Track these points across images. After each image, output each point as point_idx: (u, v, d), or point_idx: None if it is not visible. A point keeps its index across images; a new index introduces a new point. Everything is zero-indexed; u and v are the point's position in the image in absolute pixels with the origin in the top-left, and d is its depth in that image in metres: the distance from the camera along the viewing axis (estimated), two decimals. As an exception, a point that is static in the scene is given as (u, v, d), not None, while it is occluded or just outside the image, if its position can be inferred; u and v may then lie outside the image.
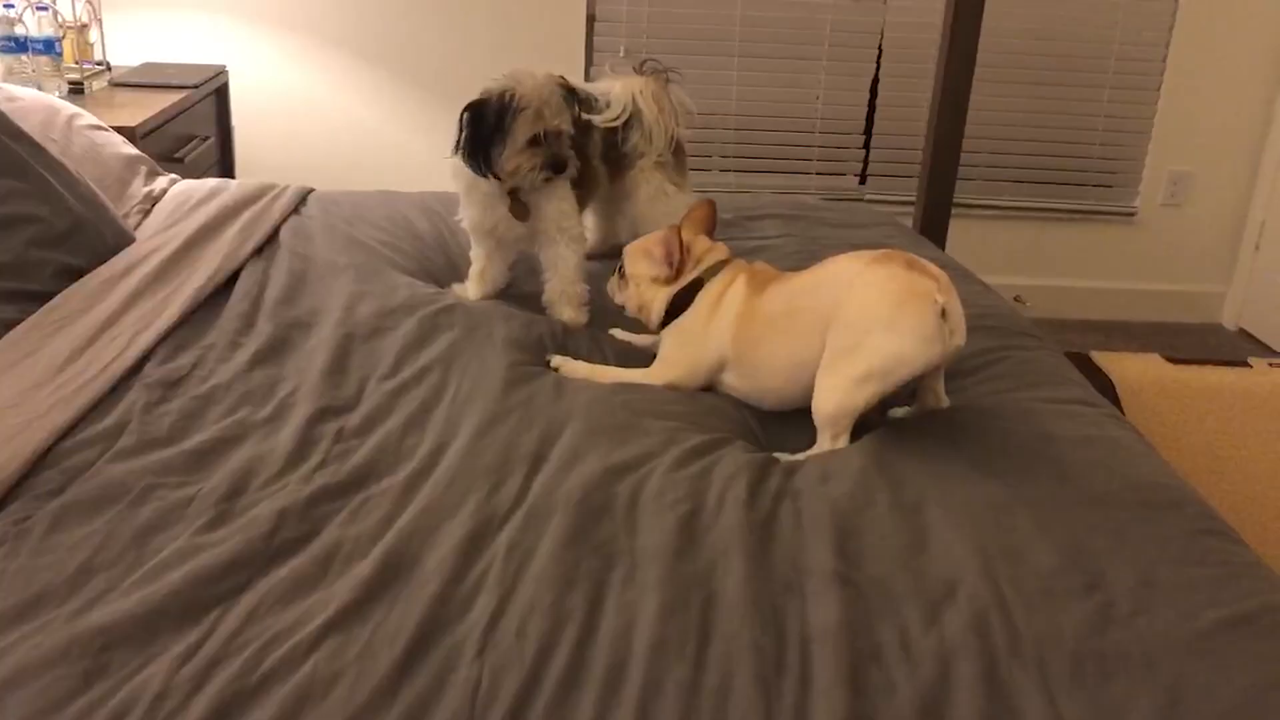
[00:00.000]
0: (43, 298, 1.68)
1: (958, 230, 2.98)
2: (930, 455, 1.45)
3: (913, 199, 3.76)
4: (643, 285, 1.75)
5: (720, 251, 1.75)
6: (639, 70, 2.12)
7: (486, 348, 1.74)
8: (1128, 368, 2.02)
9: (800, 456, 1.51)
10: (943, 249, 2.65)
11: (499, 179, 1.83)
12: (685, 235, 1.73)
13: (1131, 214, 3.93)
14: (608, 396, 1.61)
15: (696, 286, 1.71)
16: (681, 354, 1.70)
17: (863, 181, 3.89)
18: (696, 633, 1.10)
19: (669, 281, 1.73)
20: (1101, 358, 2.07)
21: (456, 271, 2.10)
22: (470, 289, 2.00)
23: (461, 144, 1.81)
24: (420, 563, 1.21)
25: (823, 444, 1.52)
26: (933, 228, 2.62)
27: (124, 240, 1.94)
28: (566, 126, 1.83)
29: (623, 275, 1.79)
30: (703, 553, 1.23)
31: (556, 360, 1.74)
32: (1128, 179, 3.91)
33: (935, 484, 1.37)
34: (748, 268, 1.71)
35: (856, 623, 1.12)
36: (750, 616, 1.12)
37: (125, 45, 3.30)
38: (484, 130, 1.78)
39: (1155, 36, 3.73)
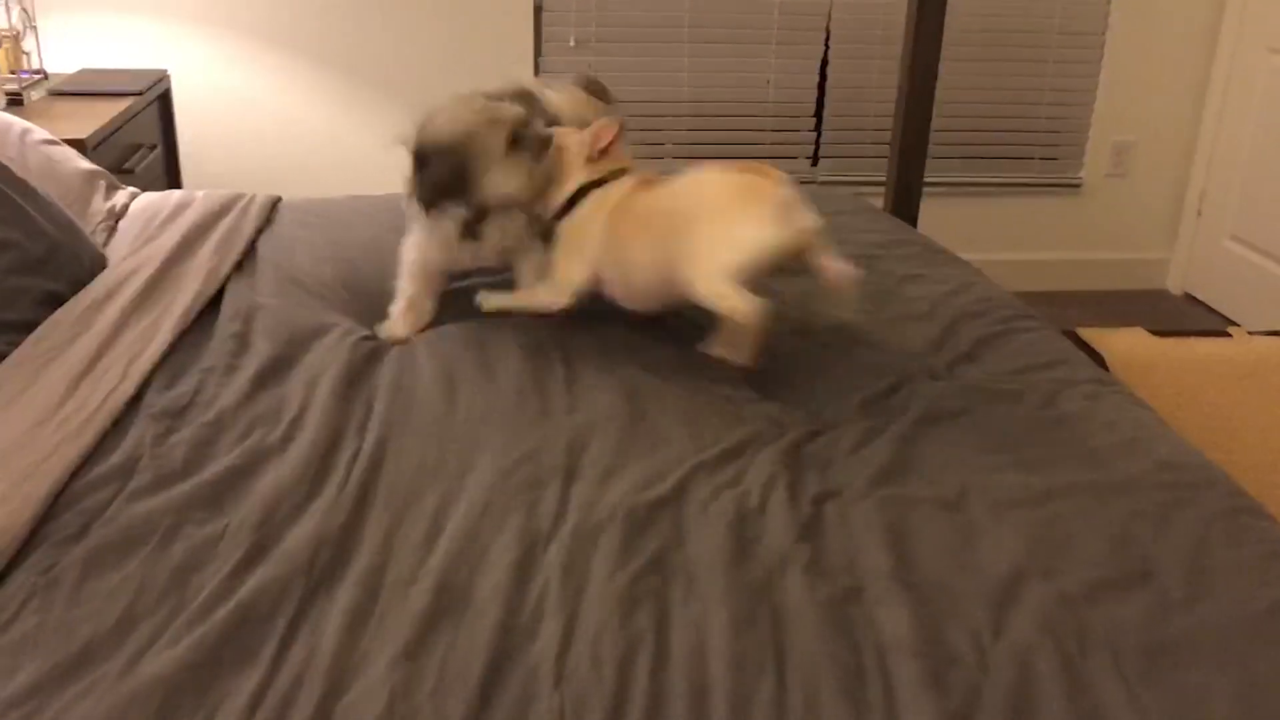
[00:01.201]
0: (26, 327, 1.60)
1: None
2: (960, 445, 1.46)
3: (865, 179, 3.81)
4: (565, 158, 1.78)
5: (628, 163, 1.82)
6: (584, 88, 2.08)
7: (490, 355, 1.70)
8: (1115, 343, 2.05)
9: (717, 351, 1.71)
10: (914, 228, 2.67)
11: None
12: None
13: (1077, 185, 4.00)
14: (624, 402, 1.58)
15: (596, 186, 1.78)
16: (571, 257, 1.78)
17: (815, 163, 3.91)
18: (772, 647, 1.08)
19: (589, 161, 1.78)
20: (1087, 334, 2.09)
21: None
22: (398, 326, 1.83)
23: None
24: (474, 588, 1.17)
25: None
26: (904, 209, 2.63)
27: (99, 262, 1.86)
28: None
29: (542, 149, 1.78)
30: (758, 562, 1.22)
31: (481, 296, 1.82)
32: (1072, 150, 3.98)
33: (972, 476, 1.38)
34: (642, 175, 1.80)
35: (927, 628, 1.11)
36: (821, 627, 1.11)
37: (58, 51, 3.17)
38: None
39: (1095, 8, 3.79)
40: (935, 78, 2.50)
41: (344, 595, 1.17)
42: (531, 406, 1.57)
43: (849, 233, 2.30)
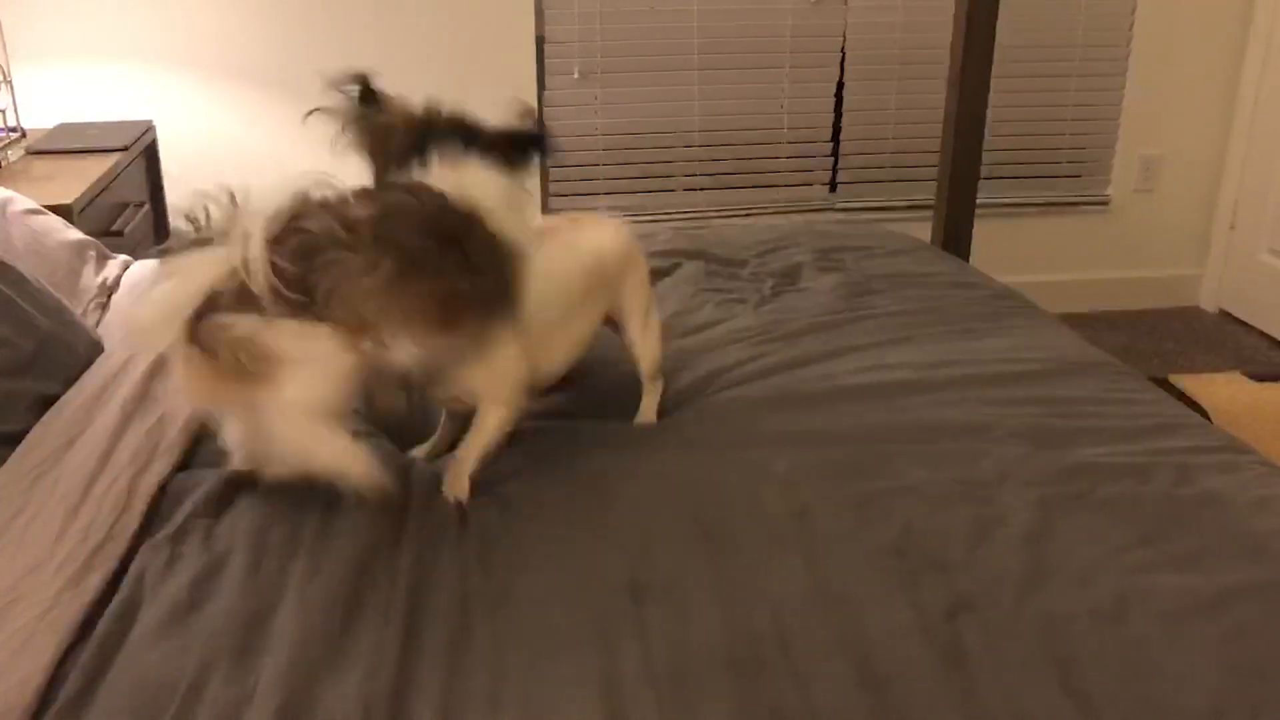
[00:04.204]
0: (16, 439, 1.40)
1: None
2: (1098, 537, 1.27)
3: (885, 204, 3.65)
4: None
5: None
6: None
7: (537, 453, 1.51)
8: (1215, 391, 1.88)
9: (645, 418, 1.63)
10: (967, 260, 2.50)
11: None
12: None
13: (1104, 202, 3.85)
14: (659, 490, 1.39)
15: None
16: None
17: (833, 189, 3.74)
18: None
19: None
20: (1182, 382, 1.92)
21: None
22: None
23: None
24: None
25: (654, 394, 1.65)
26: (955, 241, 2.45)
27: (95, 349, 1.66)
28: None
29: None
30: (902, 708, 1.02)
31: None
32: (1099, 167, 3.83)
33: (1125, 578, 1.19)
34: None
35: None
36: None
37: (34, 106, 2.95)
38: None
39: (1119, 19, 3.64)
40: (986, 102, 2.33)
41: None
42: (579, 508, 1.37)
43: (903, 275, 2.13)
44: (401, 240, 1.21)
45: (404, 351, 1.25)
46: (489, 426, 1.42)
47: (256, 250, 1.14)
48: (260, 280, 1.14)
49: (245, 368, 1.17)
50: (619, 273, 1.61)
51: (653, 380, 1.65)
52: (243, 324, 1.16)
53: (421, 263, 1.22)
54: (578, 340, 1.58)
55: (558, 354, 1.55)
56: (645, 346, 1.64)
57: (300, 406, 1.20)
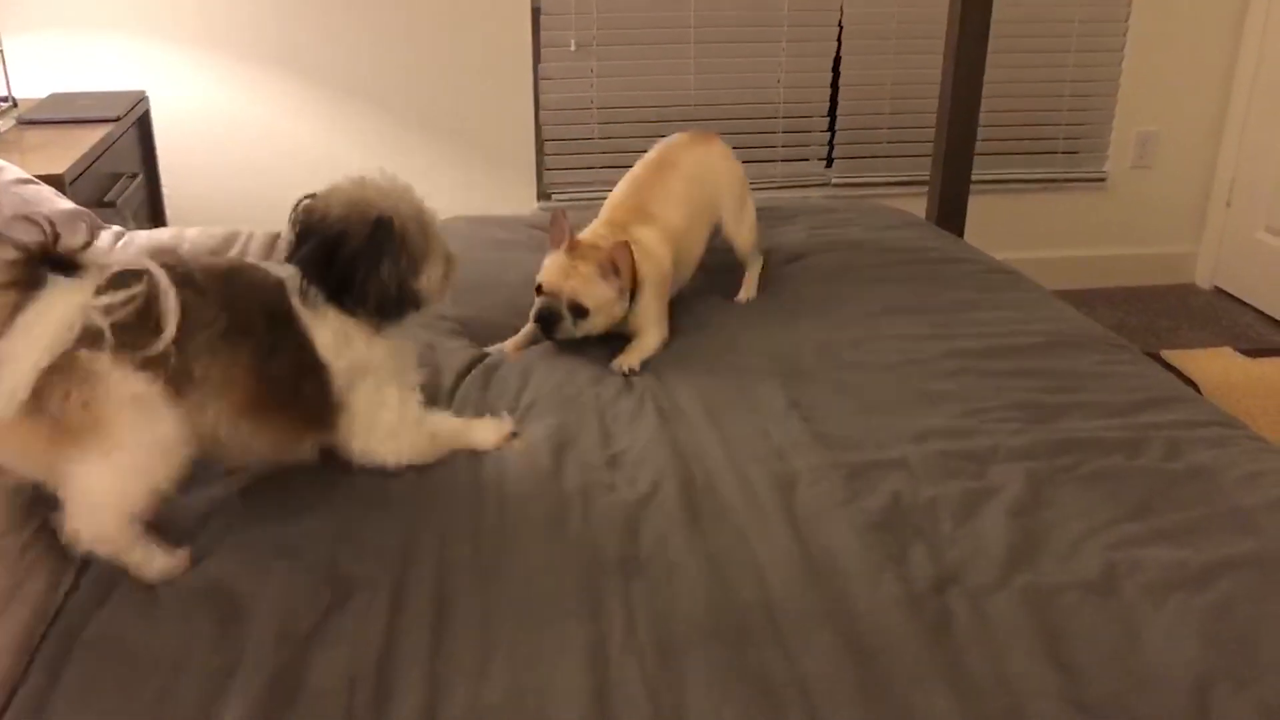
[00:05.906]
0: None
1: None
2: (1088, 510, 1.27)
3: (882, 179, 3.64)
4: (614, 307, 1.71)
5: (606, 236, 1.77)
6: None
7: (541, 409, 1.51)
8: (1205, 366, 1.88)
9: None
10: (961, 236, 2.50)
11: None
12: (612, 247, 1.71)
13: (1101, 179, 3.84)
14: (679, 466, 1.39)
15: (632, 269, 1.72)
16: (662, 306, 1.79)
17: (829, 165, 3.73)
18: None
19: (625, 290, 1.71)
20: (1174, 357, 1.92)
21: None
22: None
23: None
24: (552, 725, 0.98)
25: (755, 269, 1.97)
26: (949, 216, 2.45)
27: (86, 321, 1.65)
28: None
29: (578, 316, 1.69)
30: (889, 678, 1.03)
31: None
32: (1096, 143, 3.81)
33: (1114, 551, 1.19)
34: (636, 226, 1.81)
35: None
36: (986, 767, 0.93)
37: (25, 75, 2.93)
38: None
39: (1116, -5, 3.63)
40: (982, 77, 2.32)
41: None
42: (570, 481, 1.37)
43: (898, 250, 2.13)
44: (239, 302, 1.23)
45: (219, 427, 1.21)
46: (649, 345, 1.72)
47: (166, 282, 1.11)
48: (174, 308, 1.12)
49: (72, 423, 1.08)
50: (715, 179, 1.96)
51: (752, 258, 1.98)
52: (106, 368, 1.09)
53: (248, 330, 1.22)
54: (700, 240, 1.90)
55: (694, 254, 1.89)
56: (739, 229, 1.97)
57: (109, 503, 1.13)
